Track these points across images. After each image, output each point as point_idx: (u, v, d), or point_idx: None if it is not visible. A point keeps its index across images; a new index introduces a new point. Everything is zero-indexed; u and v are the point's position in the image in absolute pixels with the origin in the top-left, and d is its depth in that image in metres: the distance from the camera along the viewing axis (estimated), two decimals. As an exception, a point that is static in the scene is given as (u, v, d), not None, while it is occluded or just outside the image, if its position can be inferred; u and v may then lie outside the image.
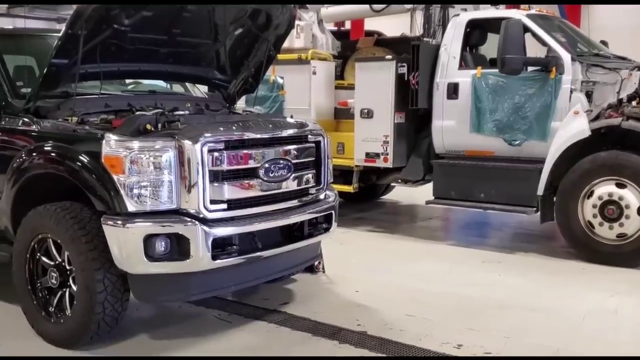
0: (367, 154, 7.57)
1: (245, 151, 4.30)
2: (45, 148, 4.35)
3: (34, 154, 4.39)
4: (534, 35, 6.86)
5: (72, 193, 4.24)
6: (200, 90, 6.04)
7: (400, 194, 9.68)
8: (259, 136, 4.43)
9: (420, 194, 7.77)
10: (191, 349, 4.29)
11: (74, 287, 4.19)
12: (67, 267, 4.24)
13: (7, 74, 4.88)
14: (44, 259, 4.37)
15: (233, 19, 5.19)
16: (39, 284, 4.41)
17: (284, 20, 5.32)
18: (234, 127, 4.41)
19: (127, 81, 5.89)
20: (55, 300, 4.34)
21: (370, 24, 12.37)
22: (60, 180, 4.26)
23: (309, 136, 4.81)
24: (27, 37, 5.65)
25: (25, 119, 4.59)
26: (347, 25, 13.75)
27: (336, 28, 12.78)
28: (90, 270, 4.05)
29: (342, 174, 7.99)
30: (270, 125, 4.63)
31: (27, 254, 4.40)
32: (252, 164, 4.33)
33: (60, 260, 4.28)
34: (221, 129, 4.29)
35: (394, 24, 10.04)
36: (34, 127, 4.52)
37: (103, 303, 4.09)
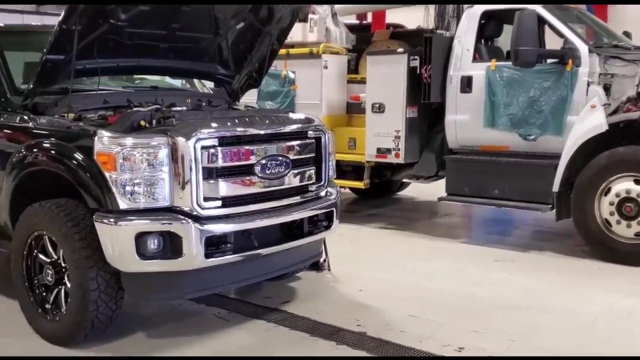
0: (379, 150, 7.43)
1: (240, 147, 4.21)
2: (41, 145, 4.32)
3: (30, 150, 4.37)
4: (550, 26, 6.67)
5: (69, 190, 4.20)
6: (206, 86, 5.98)
7: (416, 190, 9.51)
8: (254, 132, 4.34)
9: (436, 190, 7.61)
10: (187, 348, 4.23)
11: (69, 285, 4.16)
12: (63, 265, 4.21)
13: (6, 70, 4.86)
14: (40, 256, 4.35)
15: (234, 13, 5.11)
16: (36, 281, 4.39)
17: (287, 13, 5.22)
18: (229, 123, 4.33)
19: (135, 77, 5.88)
20: (52, 298, 4.32)
21: (392, 17, 12.24)
22: (56, 176, 4.23)
23: (309, 132, 4.70)
24: (32, 33, 5.63)
25: (23, 116, 4.58)
26: (369, 19, 13.66)
27: (358, 22, 12.68)
28: (84, 268, 4.02)
29: (354, 170, 7.89)
30: (268, 121, 4.54)
31: (25, 250, 4.39)
32: (247, 160, 4.24)
33: (55, 257, 4.25)
34: (215, 125, 4.20)
35: (416, 17, 9.85)
36: (31, 123, 4.50)
37: (96, 301, 4.05)
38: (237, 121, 4.42)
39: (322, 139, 4.79)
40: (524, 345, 4.25)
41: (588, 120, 6.15)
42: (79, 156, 4.06)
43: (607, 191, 6.09)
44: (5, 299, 5.01)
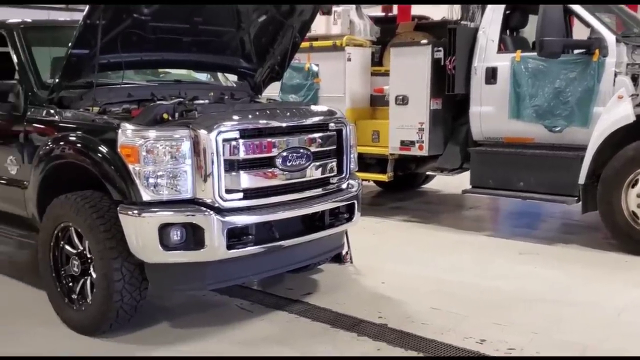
0: (402, 142, 7.41)
1: (261, 140, 4.24)
2: (66, 138, 4.40)
3: (56, 143, 4.45)
4: (576, 16, 6.57)
5: (94, 182, 4.26)
6: (230, 79, 6.01)
7: (441, 183, 9.48)
8: (276, 124, 4.36)
9: (461, 183, 7.57)
10: (209, 339, 4.28)
11: (94, 275, 4.23)
12: (88, 256, 4.28)
13: (34, 65, 4.94)
14: (67, 247, 4.42)
15: (256, 6, 5.13)
16: (62, 272, 4.47)
17: (308, 6, 5.22)
18: (250, 116, 4.36)
19: (160, 71, 5.94)
20: (78, 288, 4.39)
21: (417, 9, 12.15)
22: (82, 169, 4.30)
23: (331, 124, 4.71)
24: (58, 29, 5.71)
25: (49, 109, 4.65)
26: (395, 11, 13.58)
27: (383, 14, 12.61)
28: (108, 259, 4.08)
29: (378, 163, 7.87)
30: (289, 114, 4.56)
31: (52, 242, 4.47)
32: (268, 152, 4.26)
33: (81, 248, 4.32)
34: (237, 117, 4.23)
35: (441, 8, 9.77)
36: (57, 117, 4.58)
37: (121, 291, 4.11)
38: (258, 114, 4.44)
39: (344, 132, 4.79)
40: (546, 338, 4.22)
41: (615, 111, 6.07)
42: (103, 149, 4.12)
43: (635, 183, 6.01)
44: (33, 290, 5.12)
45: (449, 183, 9.03)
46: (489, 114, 6.94)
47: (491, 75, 6.88)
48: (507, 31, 7.16)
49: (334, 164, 4.74)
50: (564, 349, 4.03)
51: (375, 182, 9.04)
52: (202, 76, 6.23)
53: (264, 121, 4.33)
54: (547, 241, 6.69)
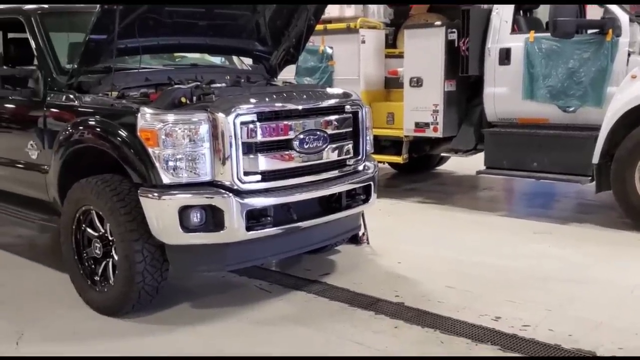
0: (417, 124, 7.45)
1: (278, 122, 4.30)
2: (86, 122, 4.47)
3: (76, 128, 4.52)
4: (590, -4, 6.57)
5: (114, 165, 4.34)
6: (245, 63, 6.06)
7: (456, 164, 9.50)
8: (292, 107, 4.41)
9: (476, 165, 7.58)
10: (228, 318, 4.37)
11: (116, 257, 4.32)
12: (110, 238, 4.37)
13: (52, 50, 5.00)
14: (88, 230, 4.51)
15: (271, -11, 5.17)
16: (84, 254, 4.57)
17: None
18: (267, 99, 4.41)
19: (176, 55, 5.99)
20: (100, 270, 4.49)
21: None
22: (101, 153, 4.37)
23: (346, 107, 4.76)
24: (75, 14, 5.76)
25: (69, 95, 4.72)
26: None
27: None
28: (129, 241, 4.16)
29: (393, 145, 7.92)
30: (305, 96, 4.61)
31: (73, 225, 4.55)
32: (285, 135, 4.32)
33: (103, 231, 4.41)
34: (254, 100, 4.29)
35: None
36: (76, 102, 4.65)
37: (142, 273, 4.20)
38: (275, 97, 4.50)
39: (359, 114, 4.84)
40: (560, 315, 4.28)
41: (628, 90, 6.09)
42: (123, 133, 4.19)
43: (648, 162, 6.03)
44: (55, 273, 5.24)
45: (464, 164, 9.06)
46: (503, 95, 6.96)
47: (505, 56, 6.89)
48: (521, 12, 7.16)
49: (350, 146, 4.80)
50: (577, 326, 4.08)
51: (390, 164, 9.09)
52: (217, 60, 6.29)
53: (281, 104, 4.39)
54: (561, 221, 6.73)
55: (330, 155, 4.62)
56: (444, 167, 9.73)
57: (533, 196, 8.30)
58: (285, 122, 4.33)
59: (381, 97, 8.13)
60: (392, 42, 8.44)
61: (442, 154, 8.58)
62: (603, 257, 5.51)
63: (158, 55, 5.52)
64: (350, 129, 4.79)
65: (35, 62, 5.02)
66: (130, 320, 4.33)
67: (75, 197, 4.50)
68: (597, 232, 6.31)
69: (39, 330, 4.24)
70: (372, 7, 8.35)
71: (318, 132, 4.51)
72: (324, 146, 4.55)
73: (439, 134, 7.36)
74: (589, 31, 6.55)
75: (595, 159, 6.27)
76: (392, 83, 8.11)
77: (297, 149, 4.38)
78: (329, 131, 4.58)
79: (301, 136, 4.39)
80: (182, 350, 3.92)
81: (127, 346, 3.99)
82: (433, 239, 6.16)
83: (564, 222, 6.69)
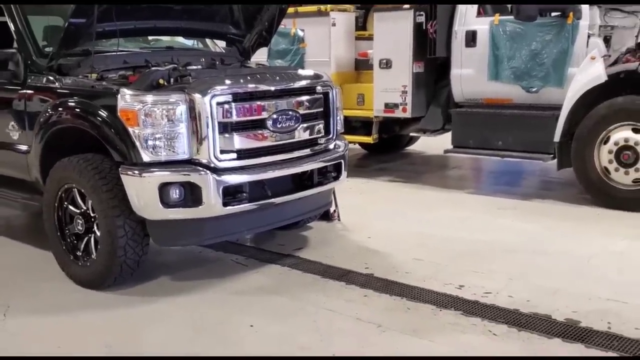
0: (386, 105, 7.68)
1: (252, 103, 4.50)
2: (67, 103, 4.62)
3: (57, 109, 4.68)
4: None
5: (95, 145, 4.51)
6: (219, 45, 6.23)
7: (425, 145, 9.77)
8: (266, 88, 4.61)
9: (445, 144, 7.85)
10: (207, 290, 4.58)
11: (98, 233, 4.50)
12: (92, 215, 4.54)
13: (31, 34, 5.12)
14: (70, 207, 4.68)
15: (244, -25, 5.34)
16: (67, 231, 4.74)
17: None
18: (241, 80, 4.60)
19: (150, 38, 6.13)
20: (82, 245, 4.67)
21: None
22: (82, 133, 4.53)
23: (317, 87, 4.97)
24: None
25: (49, 77, 4.86)
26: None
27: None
28: (111, 217, 4.35)
29: (363, 125, 8.14)
30: (278, 78, 4.81)
31: (56, 203, 4.72)
32: (259, 115, 4.53)
33: (85, 208, 4.58)
34: (229, 82, 4.48)
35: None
36: (57, 84, 4.79)
37: (124, 247, 4.39)
38: (249, 78, 4.69)
39: (330, 94, 5.05)
40: (520, 283, 4.56)
41: (588, 71, 6.37)
42: (103, 113, 4.36)
43: (606, 140, 6.33)
44: (36, 250, 5.41)
45: (433, 145, 9.33)
46: (469, 76, 7.22)
47: (471, 38, 7.14)
48: (486, -4, 7.39)
49: (321, 125, 5.02)
50: (536, 292, 4.36)
51: (361, 144, 9.32)
52: (190, 43, 6.44)
53: (255, 85, 4.59)
54: (524, 197, 7.03)
55: (302, 134, 4.84)
56: (413, 147, 9.99)
57: (500, 174, 8.61)
58: (259, 103, 4.53)
59: (352, 78, 8.35)
60: (362, 24, 8.66)
61: (412, 134, 8.83)
62: (563, 230, 5.81)
63: (134, 38, 5.66)
64: (321, 109, 5.01)
65: (15, 45, 5.13)
66: (112, 293, 4.52)
67: (57, 176, 4.66)
68: (559, 207, 6.61)
69: (24, 302, 4.42)
70: (343, -10, 8.53)
71: (290, 112, 4.72)
72: (296, 126, 4.76)
73: (407, 115, 7.61)
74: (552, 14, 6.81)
75: (557, 138, 6.56)
76: (362, 65, 8.34)
77: (271, 129, 4.58)
78: (301, 111, 4.80)
79: (274, 116, 4.60)
80: (162, 319, 4.12)
81: (110, 316, 4.19)
82: (402, 215, 6.41)
83: (528, 198, 7.00)
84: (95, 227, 4.54)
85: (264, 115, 4.55)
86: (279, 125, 4.63)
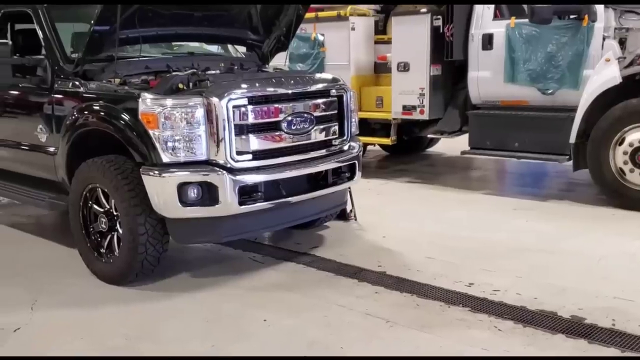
0: (404, 107, 7.81)
1: (268, 106, 4.67)
2: (91, 107, 4.84)
3: (82, 113, 4.90)
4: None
5: (118, 146, 4.71)
6: (239, 51, 6.42)
7: (445, 146, 9.86)
8: (281, 91, 4.78)
9: (465, 146, 7.93)
10: (225, 286, 4.76)
11: (121, 231, 4.71)
12: (114, 213, 4.75)
13: (58, 40, 5.36)
14: (95, 206, 4.89)
15: (262, -18, 5.52)
16: (91, 229, 4.95)
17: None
18: (257, 84, 4.78)
19: (173, 44, 6.34)
20: (106, 243, 4.88)
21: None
22: (106, 135, 4.74)
23: (332, 91, 5.13)
24: (82, 6, 6.09)
25: (75, 82, 5.09)
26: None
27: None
28: (133, 216, 4.55)
29: (383, 127, 8.28)
30: (293, 81, 4.97)
31: (81, 202, 4.94)
32: (275, 117, 4.69)
33: (108, 207, 4.79)
34: (245, 86, 4.65)
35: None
36: (82, 89, 5.02)
37: (145, 244, 4.58)
38: (265, 82, 4.87)
39: (344, 97, 5.21)
40: (529, 281, 4.65)
41: (603, 73, 6.41)
42: (126, 116, 4.57)
43: (621, 141, 6.38)
44: (63, 248, 5.65)
45: (453, 146, 9.41)
46: (486, 78, 7.31)
47: (487, 41, 7.23)
48: (503, -1, 7.48)
49: (336, 127, 5.17)
50: (543, 290, 4.45)
51: (381, 146, 9.45)
52: (213, 48, 6.64)
53: (271, 88, 4.76)
54: (541, 198, 7.10)
55: (317, 135, 5.00)
56: (434, 149, 10.09)
57: (518, 176, 8.67)
58: (275, 106, 4.70)
59: (371, 81, 8.48)
60: (382, 28, 8.78)
61: (431, 136, 8.92)
62: (576, 230, 5.88)
63: (157, 44, 5.87)
64: (336, 112, 5.16)
65: (43, 51, 5.37)
66: (133, 288, 4.72)
67: (82, 177, 4.88)
68: (574, 208, 6.67)
69: (51, 297, 4.63)
70: (363, -5, 8.68)
71: (305, 115, 4.88)
72: (311, 127, 4.92)
73: (425, 116, 7.72)
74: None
75: (573, 139, 6.62)
76: (381, 68, 8.46)
77: (286, 130, 4.75)
78: (316, 113, 4.96)
79: (289, 118, 4.76)
80: (180, 313, 4.31)
81: (131, 310, 4.38)
82: (418, 215, 6.53)
83: (544, 199, 7.06)
84: (118, 226, 4.74)
85: (280, 117, 4.72)
86: (293, 127, 4.79)
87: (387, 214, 6.60)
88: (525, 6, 7.26)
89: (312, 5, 6.16)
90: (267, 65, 6.11)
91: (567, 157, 6.81)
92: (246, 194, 4.57)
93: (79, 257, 5.07)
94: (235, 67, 5.62)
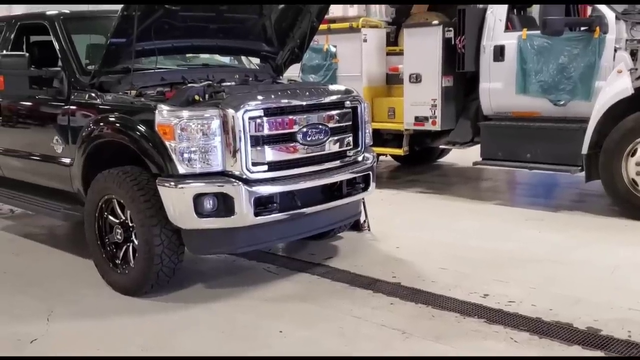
0: (416, 118, 7.84)
1: (283, 117, 4.70)
2: (108, 119, 4.89)
3: (98, 124, 4.94)
4: (578, -5, 6.92)
5: (134, 158, 4.75)
6: (253, 62, 6.46)
7: (457, 157, 9.87)
8: (296, 103, 4.82)
9: (477, 157, 7.95)
10: (240, 297, 4.77)
11: (136, 242, 4.73)
12: (130, 224, 4.77)
13: (75, 52, 5.43)
14: (110, 217, 4.92)
15: (276, -6, 5.57)
16: (107, 240, 4.98)
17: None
18: (272, 96, 4.81)
19: (188, 56, 6.39)
20: (121, 254, 4.90)
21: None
22: (122, 146, 4.78)
23: (346, 102, 5.16)
24: (95, 18, 6.18)
25: (91, 93, 5.14)
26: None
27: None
28: (149, 227, 4.57)
29: (395, 138, 8.30)
30: (308, 93, 5.01)
31: (96, 213, 4.96)
32: (290, 129, 4.72)
33: (124, 218, 4.82)
34: (261, 97, 4.69)
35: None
36: (98, 100, 5.06)
37: (161, 255, 4.60)
38: (280, 94, 4.90)
39: (358, 109, 5.23)
40: (543, 292, 4.65)
41: (615, 84, 6.43)
42: (142, 128, 4.60)
43: (634, 152, 6.38)
44: (78, 258, 5.68)
45: (465, 157, 9.40)
46: (498, 89, 7.33)
47: (499, 53, 7.25)
48: (514, 11, 7.52)
49: (350, 138, 5.19)
50: (558, 302, 4.45)
51: (393, 156, 9.48)
52: (226, 60, 6.69)
53: (286, 100, 4.79)
54: (553, 208, 7.10)
55: (331, 147, 5.02)
56: (445, 160, 10.10)
57: (531, 186, 8.66)
58: (290, 117, 4.73)
59: (383, 92, 8.51)
60: (393, 40, 8.82)
61: (442, 147, 8.94)
62: (589, 241, 5.87)
63: (172, 56, 5.92)
64: (350, 123, 5.19)
65: (60, 63, 5.43)
66: (149, 299, 4.74)
67: (98, 187, 4.91)
68: (587, 219, 6.67)
69: (66, 307, 4.66)
70: (374, 7, 8.73)
71: (320, 126, 4.91)
72: (326, 139, 4.95)
73: (437, 127, 7.75)
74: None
75: (585, 150, 6.62)
76: (393, 79, 8.49)
77: (301, 142, 4.78)
78: (330, 125, 4.98)
79: (304, 129, 4.79)
80: (196, 324, 4.32)
81: (146, 321, 4.40)
82: (430, 225, 6.54)
83: (556, 209, 7.06)
84: (133, 237, 4.77)
85: (294, 129, 4.74)
86: (308, 139, 4.82)
87: (400, 225, 6.62)
88: (537, 18, 7.35)
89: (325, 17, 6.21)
90: (281, 77, 6.15)
91: (579, 168, 6.81)
92: (262, 205, 4.59)
93: (93, 268, 5.09)
94: (250, 79, 5.67)
